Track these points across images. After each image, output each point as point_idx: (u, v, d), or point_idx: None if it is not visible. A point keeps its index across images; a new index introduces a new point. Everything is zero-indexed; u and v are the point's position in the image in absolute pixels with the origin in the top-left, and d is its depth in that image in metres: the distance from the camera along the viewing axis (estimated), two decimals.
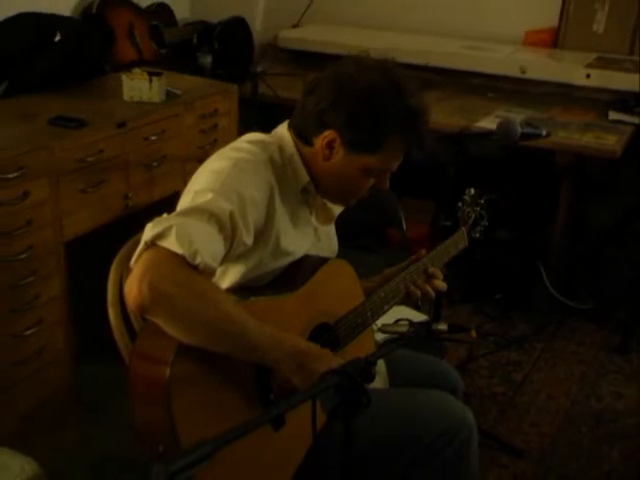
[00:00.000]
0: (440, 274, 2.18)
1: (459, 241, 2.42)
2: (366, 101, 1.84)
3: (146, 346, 1.69)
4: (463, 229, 2.44)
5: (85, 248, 2.95)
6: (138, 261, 1.62)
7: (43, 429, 2.84)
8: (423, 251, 2.19)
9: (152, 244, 1.62)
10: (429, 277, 2.15)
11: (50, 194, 2.77)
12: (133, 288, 1.58)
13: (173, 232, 1.61)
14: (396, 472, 2.00)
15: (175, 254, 1.60)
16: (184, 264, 1.61)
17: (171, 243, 1.60)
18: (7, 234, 2.63)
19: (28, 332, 2.77)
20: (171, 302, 1.59)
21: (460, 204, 2.46)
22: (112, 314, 1.96)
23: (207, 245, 1.65)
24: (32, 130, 2.89)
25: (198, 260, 1.61)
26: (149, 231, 1.63)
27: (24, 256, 2.69)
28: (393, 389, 2.16)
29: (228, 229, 1.71)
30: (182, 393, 1.60)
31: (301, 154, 1.94)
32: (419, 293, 2.13)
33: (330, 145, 1.88)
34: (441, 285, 2.16)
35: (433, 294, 2.16)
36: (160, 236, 1.61)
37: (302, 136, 1.93)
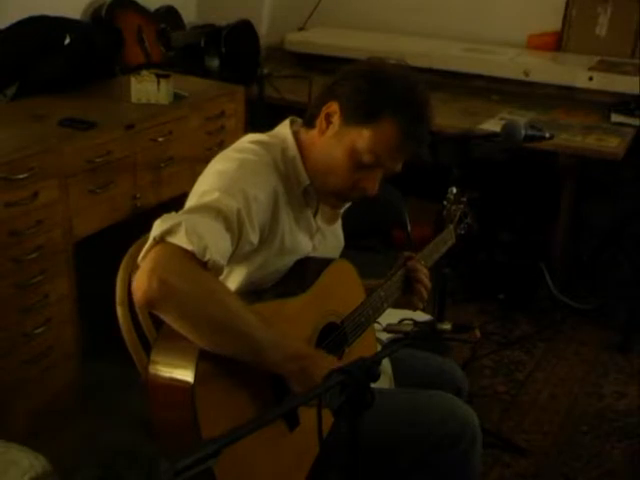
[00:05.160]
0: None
1: (447, 239, 2.44)
2: (373, 76, 1.85)
3: (165, 353, 1.67)
4: (451, 227, 2.48)
5: (94, 248, 2.97)
6: (146, 257, 1.61)
7: (52, 426, 2.86)
8: (406, 254, 2.21)
9: (161, 240, 1.61)
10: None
11: (60, 195, 2.80)
12: (143, 283, 1.57)
13: (182, 228, 1.60)
14: (399, 473, 2.01)
15: (185, 250, 1.59)
16: (193, 260, 1.60)
17: (180, 239, 1.59)
18: (17, 234, 2.65)
19: (37, 331, 2.80)
20: (180, 297, 1.58)
21: (445, 203, 2.50)
22: (120, 313, 1.95)
23: (216, 242, 1.64)
24: (42, 131, 2.91)
25: (207, 256, 1.61)
26: (158, 227, 1.62)
27: (34, 255, 2.72)
28: (398, 390, 2.16)
29: (235, 227, 1.71)
30: (206, 397, 1.59)
31: (302, 148, 1.93)
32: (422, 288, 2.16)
33: (328, 117, 1.87)
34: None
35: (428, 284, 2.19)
36: (169, 232, 1.60)
37: (308, 119, 1.93)
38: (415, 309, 2.20)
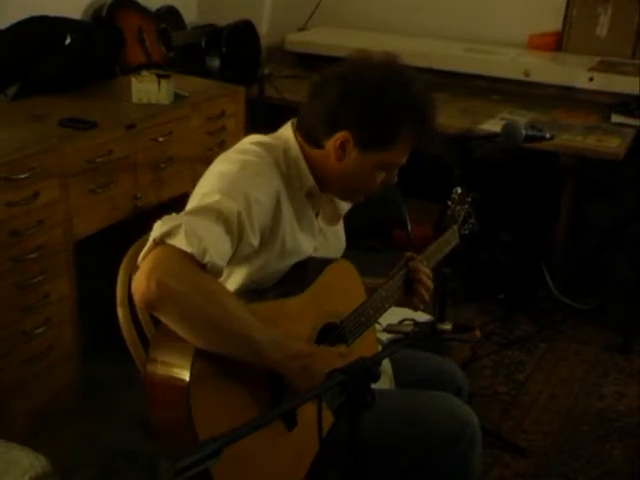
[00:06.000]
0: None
1: (451, 239, 2.45)
2: (376, 98, 1.84)
3: (162, 352, 1.68)
4: (454, 227, 2.47)
5: (94, 248, 2.97)
6: (146, 258, 1.62)
7: (52, 426, 2.87)
8: (409, 254, 2.21)
9: (160, 242, 1.61)
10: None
11: (60, 194, 2.80)
12: (141, 284, 1.58)
13: (182, 230, 1.60)
14: (399, 473, 2.02)
15: (184, 252, 1.60)
16: (192, 262, 1.61)
17: (180, 241, 1.60)
18: (18, 234, 2.65)
19: (37, 331, 2.80)
20: (179, 299, 1.59)
21: (449, 203, 2.50)
22: (121, 313, 1.95)
23: (215, 244, 1.65)
24: (43, 131, 2.91)
25: (207, 259, 1.61)
26: (158, 229, 1.62)
27: (34, 255, 2.72)
28: (399, 390, 2.17)
29: (235, 230, 1.71)
30: (201, 396, 1.60)
31: (307, 157, 1.92)
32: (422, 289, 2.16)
33: (343, 146, 1.86)
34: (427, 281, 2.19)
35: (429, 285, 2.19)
36: (169, 234, 1.61)
37: (311, 139, 1.91)
38: (416, 309, 2.21)
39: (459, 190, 2.53)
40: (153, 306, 1.61)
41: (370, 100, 1.84)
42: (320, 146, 1.90)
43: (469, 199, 2.55)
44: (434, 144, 1.94)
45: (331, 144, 1.88)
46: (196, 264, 1.62)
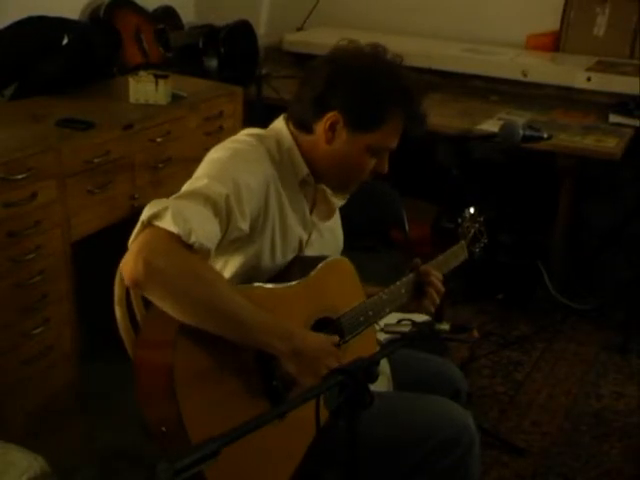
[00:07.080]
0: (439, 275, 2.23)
1: (459, 253, 2.46)
2: (364, 78, 1.88)
3: (148, 332, 1.75)
4: (463, 242, 2.48)
5: (92, 248, 2.97)
6: (135, 240, 1.68)
7: (51, 426, 2.86)
8: (418, 260, 2.23)
9: (148, 224, 1.67)
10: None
11: (58, 195, 2.79)
12: (129, 265, 1.64)
13: (169, 212, 1.65)
14: (398, 476, 2.02)
15: (170, 233, 1.65)
16: (179, 242, 1.65)
17: (166, 222, 1.65)
18: (16, 234, 2.65)
19: (36, 331, 2.79)
20: (164, 278, 1.64)
21: (460, 220, 2.51)
22: (119, 313, 1.96)
23: (202, 225, 1.69)
24: (40, 132, 2.91)
25: (193, 239, 1.65)
26: (146, 212, 1.69)
27: (32, 256, 2.72)
28: (397, 393, 2.17)
29: (223, 213, 1.75)
30: (185, 376, 1.63)
31: (300, 145, 1.96)
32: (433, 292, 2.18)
33: (333, 127, 1.90)
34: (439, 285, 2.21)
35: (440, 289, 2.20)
36: (156, 216, 1.66)
37: (302, 125, 1.96)
38: (427, 312, 2.22)
39: (472, 210, 2.54)
40: (140, 285, 1.66)
41: (358, 81, 1.89)
42: (311, 130, 1.94)
43: (480, 219, 2.55)
44: (422, 125, 1.97)
45: (321, 126, 1.92)
46: (182, 244, 1.66)
